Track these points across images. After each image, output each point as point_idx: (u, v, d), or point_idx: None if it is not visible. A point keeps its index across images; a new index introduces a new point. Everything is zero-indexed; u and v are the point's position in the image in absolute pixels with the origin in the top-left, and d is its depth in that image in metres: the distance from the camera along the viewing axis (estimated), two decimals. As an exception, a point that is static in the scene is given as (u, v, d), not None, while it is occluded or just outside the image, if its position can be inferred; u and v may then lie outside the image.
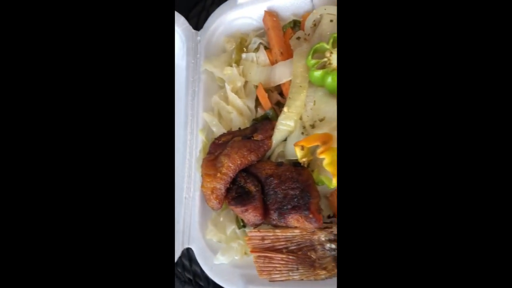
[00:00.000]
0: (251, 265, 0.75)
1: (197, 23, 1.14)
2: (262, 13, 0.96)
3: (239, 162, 0.76)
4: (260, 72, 0.90)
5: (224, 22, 1.01)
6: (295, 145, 0.71)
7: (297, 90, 0.78)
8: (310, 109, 0.77)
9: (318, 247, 0.70)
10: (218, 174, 0.76)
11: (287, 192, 0.71)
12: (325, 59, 0.74)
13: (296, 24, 0.94)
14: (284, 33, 0.94)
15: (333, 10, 0.85)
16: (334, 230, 0.70)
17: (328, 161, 0.65)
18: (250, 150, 0.76)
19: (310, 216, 0.65)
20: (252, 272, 0.74)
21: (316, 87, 0.78)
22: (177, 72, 1.05)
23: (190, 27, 1.03)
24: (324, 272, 0.69)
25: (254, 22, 1.01)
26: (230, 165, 0.75)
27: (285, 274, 0.70)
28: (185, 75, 0.99)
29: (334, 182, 0.65)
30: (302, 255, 0.70)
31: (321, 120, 0.74)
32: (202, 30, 1.02)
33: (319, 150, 0.66)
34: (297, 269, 0.70)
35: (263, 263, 0.72)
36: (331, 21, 0.84)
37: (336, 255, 0.69)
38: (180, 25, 1.03)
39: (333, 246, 0.69)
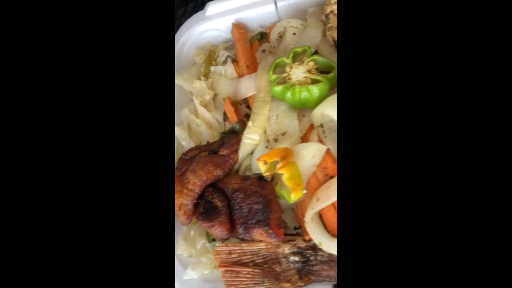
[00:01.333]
0: (221, 279, 0.75)
1: (169, 35, 1.15)
2: (231, 25, 0.97)
3: (204, 177, 0.76)
4: (228, 85, 0.91)
5: (194, 34, 1.02)
6: (258, 159, 0.71)
7: (261, 105, 0.79)
8: (273, 123, 0.78)
9: (283, 260, 0.71)
10: (185, 191, 0.76)
11: (252, 206, 0.72)
12: (285, 74, 0.75)
13: (263, 36, 0.95)
14: (251, 45, 0.95)
15: (296, 23, 0.86)
16: (298, 242, 0.71)
17: (287, 176, 0.66)
18: (216, 165, 0.77)
19: (270, 231, 0.67)
20: (222, 287, 0.75)
21: (280, 101, 0.78)
22: (148, 86, 1.06)
23: (160, 41, 1.03)
24: (288, 284, 0.70)
25: (224, 34, 1.01)
26: (196, 181, 0.76)
27: (251, 288, 0.71)
28: (155, 89, 0.99)
29: (293, 197, 0.66)
30: (267, 268, 0.72)
31: (283, 134, 0.75)
32: (171, 44, 1.03)
33: (278, 165, 0.67)
34: (263, 282, 0.71)
35: (230, 277, 0.73)
36: (294, 34, 0.85)
37: (299, 267, 0.70)
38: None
39: (297, 258, 0.70)
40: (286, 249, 0.71)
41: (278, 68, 0.78)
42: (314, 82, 0.72)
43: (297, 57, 0.76)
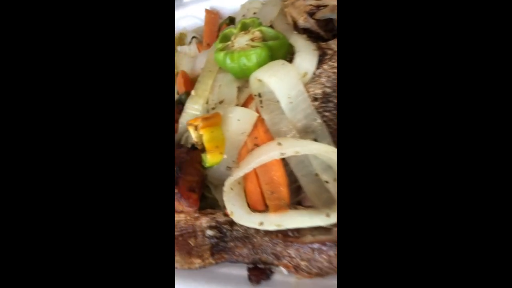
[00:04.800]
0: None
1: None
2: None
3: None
4: (188, 62, 0.91)
5: (171, 20, 1.04)
6: (187, 123, 0.68)
7: (207, 74, 0.77)
8: (216, 93, 0.75)
9: (199, 233, 0.64)
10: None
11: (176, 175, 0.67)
12: (229, 42, 0.73)
13: (232, 21, 0.95)
14: (219, 28, 0.95)
15: (257, 3, 0.86)
16: (217, 216, 0.64)
17: (206, 137, 0.61)
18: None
19: (176, 191, 0.61)
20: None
21: (226, 73, 0.76)
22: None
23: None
24: (199, 260, 0.62)
25: (199, 21, 1.03)
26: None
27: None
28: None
29: (209, 158, 0.61)
30: (181, 242, 0.65)
31: (221, 102, 0.72)
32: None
33: (200, 126, 0.63)
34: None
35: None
36: (255, 13, 0.84)
37: (213, 243, 0.63)
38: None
39: (212, 233, 0.63)
40: (204, 222, 0.64)
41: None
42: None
43: (245, 28, 0.74)
